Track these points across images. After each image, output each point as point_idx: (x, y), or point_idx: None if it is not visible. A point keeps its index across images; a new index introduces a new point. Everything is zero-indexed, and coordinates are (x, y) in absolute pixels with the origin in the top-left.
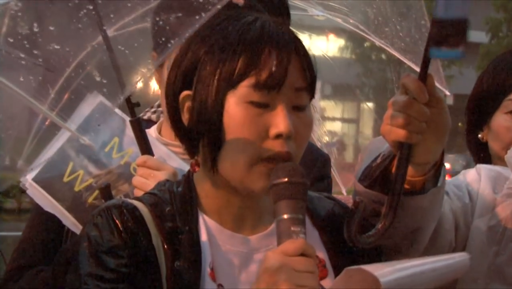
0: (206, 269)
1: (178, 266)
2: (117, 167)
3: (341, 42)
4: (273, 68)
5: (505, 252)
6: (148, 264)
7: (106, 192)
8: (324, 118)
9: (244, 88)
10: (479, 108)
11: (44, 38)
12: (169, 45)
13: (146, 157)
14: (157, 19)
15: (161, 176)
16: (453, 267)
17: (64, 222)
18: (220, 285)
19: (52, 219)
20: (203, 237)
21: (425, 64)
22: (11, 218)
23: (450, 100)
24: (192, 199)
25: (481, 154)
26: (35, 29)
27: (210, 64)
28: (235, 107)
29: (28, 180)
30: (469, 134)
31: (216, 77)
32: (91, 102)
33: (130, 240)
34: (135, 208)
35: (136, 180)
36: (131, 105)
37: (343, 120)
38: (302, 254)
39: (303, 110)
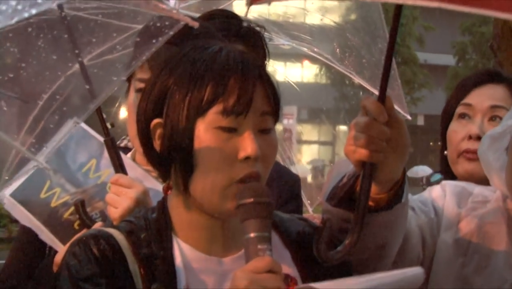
0: None
1: None
2: (93, 186)
3: (316, 68)
4: (239, 95)
5: (471, 263)
6: None
7: (80, 207)
8: (301, 142)
9: (212, 114)
10: (445, 129)
11: (20, 69)
12: (132, 65)
13: (118, 175)
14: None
15: (132, 193)
16: (405, 282)
17: (40, 235)
18: None
19: (34, 239)
20: (178, 261)
21: (383, 86)
22: (2, 247)
23: (421, 121)
24: (166, 225)
25: (448, 172)
26: (11, 60)
27: (179, 92)
28: (205, 133)
29: (5, 195)
30: (441, 154)
31: (186, 105)
32: (71, 127)
33: (107, 267)
34: (111, 236)
35: (109, 197)
36: (105, 125)
37: (319, 143)
38: (270, 271)
39: (269, 133)
